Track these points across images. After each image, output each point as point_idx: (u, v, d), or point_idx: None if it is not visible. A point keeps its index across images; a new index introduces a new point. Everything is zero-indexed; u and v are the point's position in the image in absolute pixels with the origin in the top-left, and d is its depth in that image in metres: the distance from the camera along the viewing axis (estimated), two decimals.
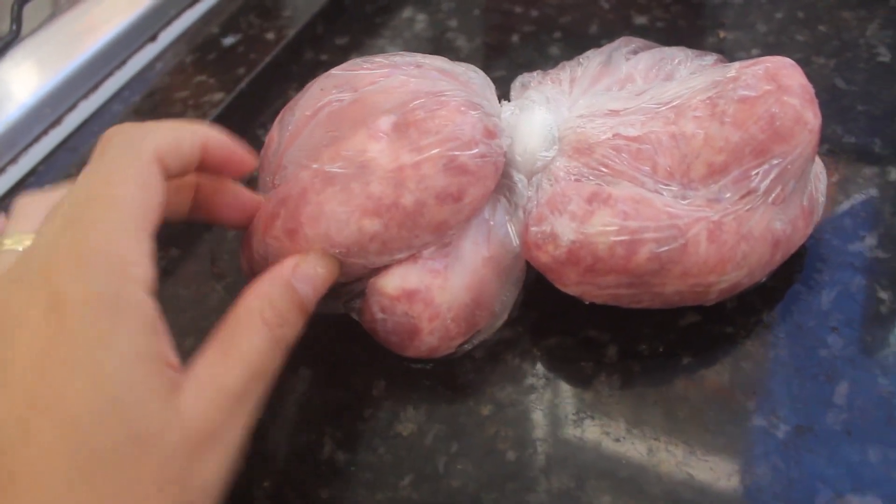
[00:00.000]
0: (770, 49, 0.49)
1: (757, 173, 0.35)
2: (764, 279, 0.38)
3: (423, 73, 0.38)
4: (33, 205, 0.34)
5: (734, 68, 0.36)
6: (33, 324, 0.26)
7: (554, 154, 0.37)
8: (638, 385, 0.37)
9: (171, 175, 0.32)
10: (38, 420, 0.25)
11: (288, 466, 0.37)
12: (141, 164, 0.30)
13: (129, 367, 0.26)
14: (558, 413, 0.37)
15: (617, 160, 0.36)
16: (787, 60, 0.36)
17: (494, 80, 0.41)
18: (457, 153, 0.35)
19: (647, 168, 0.35)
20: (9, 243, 0.32)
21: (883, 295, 0.38)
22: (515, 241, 0.37)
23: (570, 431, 0.36)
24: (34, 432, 0.25)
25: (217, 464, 0.28)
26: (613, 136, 0.36)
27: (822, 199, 0.39)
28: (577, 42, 0.43)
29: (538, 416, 0.37)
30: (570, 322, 0.39)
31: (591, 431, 0.36)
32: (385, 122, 0.35)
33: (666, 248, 0.34)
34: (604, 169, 0.36)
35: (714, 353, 0.38)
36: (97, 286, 0.26)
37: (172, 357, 0.28)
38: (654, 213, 0.34)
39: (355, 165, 0.35)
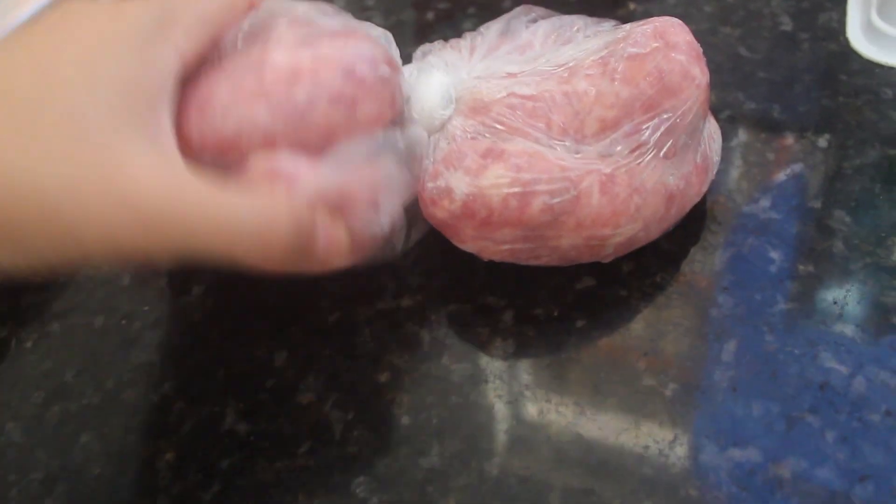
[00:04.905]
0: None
1: (647, 127, 0.35)
2: (659, 235, 0.38)
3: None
4: None
5: (624, 29, 0.37)
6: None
7: (451, 113, 0.38)
8: (532, 349, 0.38)
9: None
10: None
11: (190, 438, 0.37)
12: None
13: None
14: (453, 378, 0.37)
15: (512, 118, 0.36)
16: (675, 20, 0.37)
17: (408, 58, 0.41)
18: (357, 65, 0.34)
19: (542, 125, 0.36)
20: None
21: (773, 255, 0.39)
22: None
23: (464, 395, 0.37)
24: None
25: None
26: (508, 94, 0.37)
27: (716, 158, 0.39)
28: (490, 17, 0.43)
29: (433, 382, 0.37)
30: (468, 289, 0.40)
31: (484, 395, 0.37)
32: (291, 35, 0.35)
33: (558, 199, 0.35)
34: (499, 126, 0.36)
35: (608, 316, 0.38)
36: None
37: None
38: (547, 165, 0.35)
39: (253, 61, 0.34)
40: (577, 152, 0.36)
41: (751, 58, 0.48)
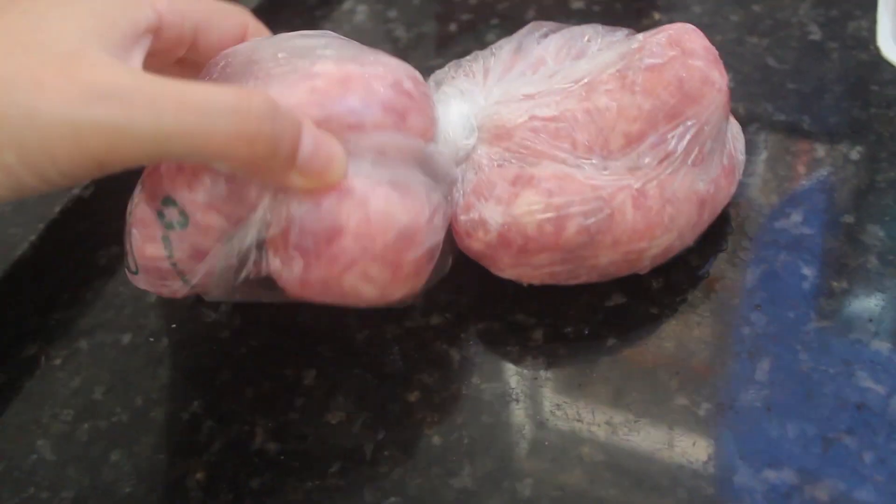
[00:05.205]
0: (704, 29, 0.49)
1: (673, 136, 0.35)
2: (693, 242, 0.38)
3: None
4: None
5: (638, 40, 0.37)
6: None
7: (474, 142, 0.37)
8: (562, 367, 0.37)
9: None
10: None
11: (220, 457, 0.37)
12: None
13: None
14: (483, 397, 0.37)
15: (536, 141, 0.36)
16: (689, 26, 0.37)
17: (430, 70, 0.41)
18: (404, 80, 0.35)
19: (567, 145, 0.36)
20: None
21: (806, 271, 0.38)
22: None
23: (495, 415, 0.36)
24: None
25: None
26: (530, 118, 0.36)
27: (741, 157, 0.40)
28: (513, 28, 0.42)
29: (463, 401, 0.37)
30: (497, 307, 0.40)
31: (516, 415, 0.36)
32: (332, 52, 0.35)
33: (593, 219, 0.35)
34: (524, 151, 0.36)
35: (638, 334, 0.38)
36: None
37: None
38: (578, 187, 0.35)
39: (301, 71, 0.33)
40: (606, 169, 0.36)
41: (779, 68, 0.47)
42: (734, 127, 0.40)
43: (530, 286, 0.38)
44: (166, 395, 0.40)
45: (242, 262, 0.34)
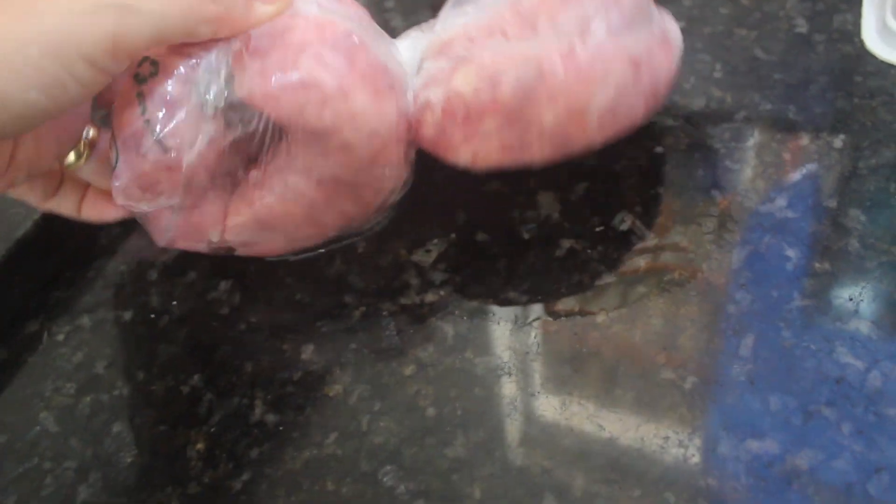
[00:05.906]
0: (694, 22, 0.51)
1: (590, 5, 0.38)
2: (645, 111, 0.40)
3: None
4: None
5: None
6: None
7: (420, 57, 0.40)
8: (553, 343, 0.39)
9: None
10: None
11: (220, 429, 0.38)
12: None
13: None
14: (476, 371, 0.38)
15: (472, 46, 0.39)
16: None
17: None
18: None
19: (499, 37, 0.38)
20: None
21: (789, 253, 0.40)
22: None
23: (487, 388, 0.37)
24: None
25: None
26: (465, 29, 0.39)
27: (677, 42, 0.42)
28: None
29: (457, 375, 0.38)
30: (490, 285, 0.41)
31: (508, 388, 0.37)
32: None
33: (525, 78, 0.37)
34: (463, 53, 0.39)
35: (627, 312, 0.39)
36: None
37: None
38: (509, 54, 0.38)
39: None
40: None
41: (766, 59, 0.48)
42: (667, 18, 0.42)
43: (519, 262, 0.39)
44: (167, 370, 0.41)
45: (208, 87, 0.36)
